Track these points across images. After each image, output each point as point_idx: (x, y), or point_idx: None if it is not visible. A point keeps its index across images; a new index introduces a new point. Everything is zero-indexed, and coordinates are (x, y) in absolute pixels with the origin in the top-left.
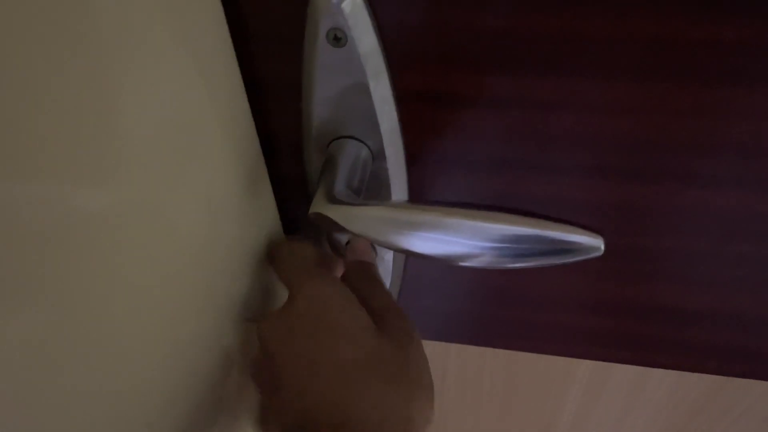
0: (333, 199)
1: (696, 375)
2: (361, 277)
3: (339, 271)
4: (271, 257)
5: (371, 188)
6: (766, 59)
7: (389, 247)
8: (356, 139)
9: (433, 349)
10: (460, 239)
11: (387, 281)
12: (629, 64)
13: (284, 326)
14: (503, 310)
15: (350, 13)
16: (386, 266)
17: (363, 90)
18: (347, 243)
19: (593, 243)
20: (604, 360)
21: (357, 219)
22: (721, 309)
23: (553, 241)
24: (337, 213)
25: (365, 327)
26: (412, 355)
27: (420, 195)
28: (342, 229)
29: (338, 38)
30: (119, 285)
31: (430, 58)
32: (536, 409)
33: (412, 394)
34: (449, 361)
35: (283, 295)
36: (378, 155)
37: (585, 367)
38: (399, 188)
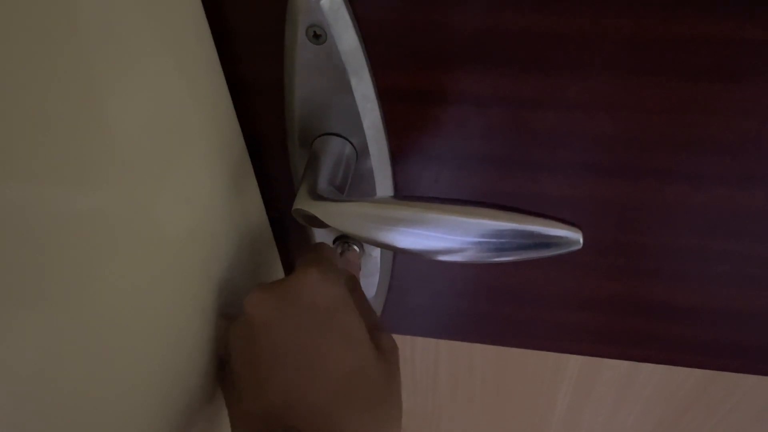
0: (315, 196)
1: (686, 369)
2: (354, 288)
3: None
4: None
5: (357, 185)
6: (745, 56)
7: (371, 242)
8: (340, 136)
9: (423, 346)
10: (441, 234)
11: (375, 278)
12: (609, 61)
13: (275, 306)
14: (493, 307)
15: (329, 9)
16: (374, 263)
17: (345, 87)
18: (334, 241)
19: (572, 236)
20: (593, 355)
21: (338, 215)
22: (709, 304)
23: (532, 234)
24: (319, 209)
25: (366, 337)
26: (395, 376)
27: (405, 191)
28: (324, 226)
29: (318, 35)
30: (104, 286)
31: (411, 56)
32: (527, 405)
33: (393, 418)
34: (439, 358)
35: None
36: (362, 152)
37: (575, 362)
38: (384, 185)
